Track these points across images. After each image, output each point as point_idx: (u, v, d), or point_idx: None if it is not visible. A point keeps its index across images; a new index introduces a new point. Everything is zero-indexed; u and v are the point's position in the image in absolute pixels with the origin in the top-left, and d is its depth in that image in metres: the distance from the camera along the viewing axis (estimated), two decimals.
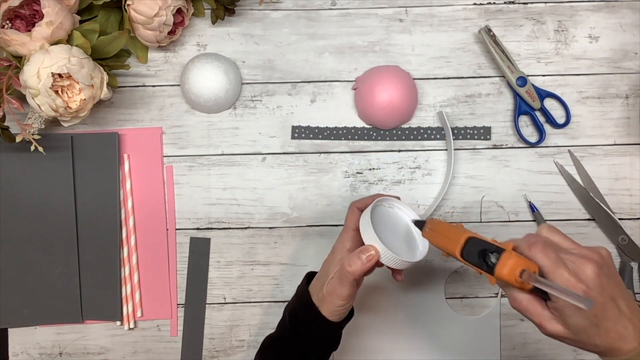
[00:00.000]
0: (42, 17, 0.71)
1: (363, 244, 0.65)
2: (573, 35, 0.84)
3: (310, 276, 0.71)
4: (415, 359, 0.82)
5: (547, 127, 0.83)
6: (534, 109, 0.83)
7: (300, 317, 0.68)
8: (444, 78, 0.84)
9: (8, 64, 0.72)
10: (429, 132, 0.83)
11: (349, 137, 0.84)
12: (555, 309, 0.53)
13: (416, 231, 0.69)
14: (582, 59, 0.84)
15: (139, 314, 0.83)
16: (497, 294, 0.83)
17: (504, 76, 0.83)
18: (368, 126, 0.84)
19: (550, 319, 0.53)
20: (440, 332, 0.83)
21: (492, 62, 0.83)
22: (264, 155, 0.84)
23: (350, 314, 0.69)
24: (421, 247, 0.69)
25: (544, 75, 0.84)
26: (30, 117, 0.77)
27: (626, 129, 0.84)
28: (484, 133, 0.83)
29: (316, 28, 0.84)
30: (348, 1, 0.84)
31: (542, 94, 0.83)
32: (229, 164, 0.84)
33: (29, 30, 0.71)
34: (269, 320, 0.83)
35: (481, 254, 0.55)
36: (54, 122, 0.79)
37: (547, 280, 0.51)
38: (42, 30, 0.71)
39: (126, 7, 0.76)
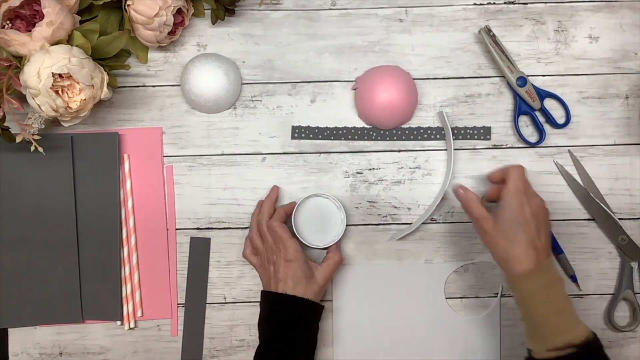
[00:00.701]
0: (42, 17, 0.71)
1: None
2: (573, 35, 0.84)
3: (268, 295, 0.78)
4: (415, 359, 0.82)
5: (547, 127, 0.83)
6: (534, 109, 0.83)
7: (295, 314, 0.75)
8: (444, 78, 0.84)
9: (8, 64, 0.72)
10: (429, 132, 0.83)
11: (349, 137, 0.84)
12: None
13: (335, 208, 0.80)
14: (582, 59, 0.84)
15: (139, 313, 0.83)
16: (497, 294, 0.83)
17: (504, 76, 0.83)
18: (368, 126, 0.84)
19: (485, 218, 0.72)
20: (440, 332, 0.83)
21: (492, 62, 0.83)
22: (264, 155, 0.84)
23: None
24: (341, 221, 0.80)
25: (544, 75, 0.84)
26: (31, 117, 0.77)
27: (626, 129, 0.84)
28: (484, 133, 0.83)
29: (316, 28, 0.84)
30: (348, 1, 0.84)
31: (542, 94, 0.83)
32: (229, 164, 0.84)
33: (29, 31, 0.71)
34: None
35: None
36: (54, 122, 0.79)
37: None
38: (42, 30, 0.71)
39: (126, 7, 0.76)
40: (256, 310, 0.83)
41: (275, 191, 0.82)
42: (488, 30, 0.81)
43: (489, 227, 0.71)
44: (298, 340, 0.74)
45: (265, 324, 0.76)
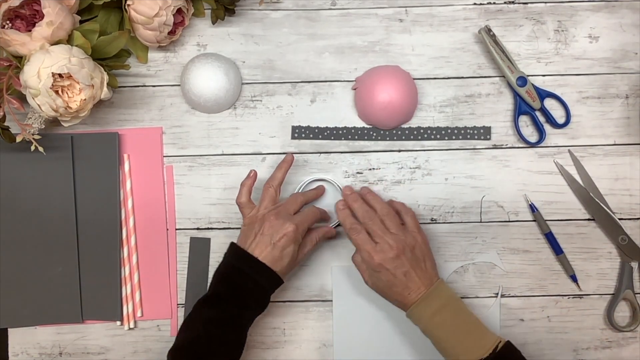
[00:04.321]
0: (42, 17, 0.71)
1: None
2: (573, 35, 0.84)
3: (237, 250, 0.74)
4: (415, 358, 0.82)
5: (547, 127, 0.84)
6: (534, 109, 0.83)
7: (245, 271, 0.73)
8: (444, 78, 0.84)
9: (8, 64, 0.73)
10: (429, 132, 0.83)
11: (349, 137, 0.84)
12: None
13: (338, 193, 0.81)
14: (582, 59, 0.84)
15: (139, 314, 0.83)
16: (497, 294, 0.83)
17: (504, 76, 0.83)
18: (368, 126, 0.84)
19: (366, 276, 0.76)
20: None
21: (492, 62, 0.83)
22: (264, 155, 0.84)
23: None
24: None
25: (544, 75, 0.84)
26: (31, 117, 0.77)
27: (626, 129, 0.84)
28: (484, 133, 0.83)
29: (316, 28, 0.84)
30: (348, 1, 0.84)
31: (542, 94, 0.83)
32: (229, 164, 0.84)
33: (29, 30, 0.71)
34: (268, 319, 0.83)
35: None
36: (54, 122, 0.79)
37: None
38: (42, 30, 0.71)
39: (126, 7, 0.76)
40: None
41: (290, 158, 0.79)
42: (488, 30, 0.81)
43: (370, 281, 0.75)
44: (248, 306, 0.73)
45: (223, 279, 0.73)
